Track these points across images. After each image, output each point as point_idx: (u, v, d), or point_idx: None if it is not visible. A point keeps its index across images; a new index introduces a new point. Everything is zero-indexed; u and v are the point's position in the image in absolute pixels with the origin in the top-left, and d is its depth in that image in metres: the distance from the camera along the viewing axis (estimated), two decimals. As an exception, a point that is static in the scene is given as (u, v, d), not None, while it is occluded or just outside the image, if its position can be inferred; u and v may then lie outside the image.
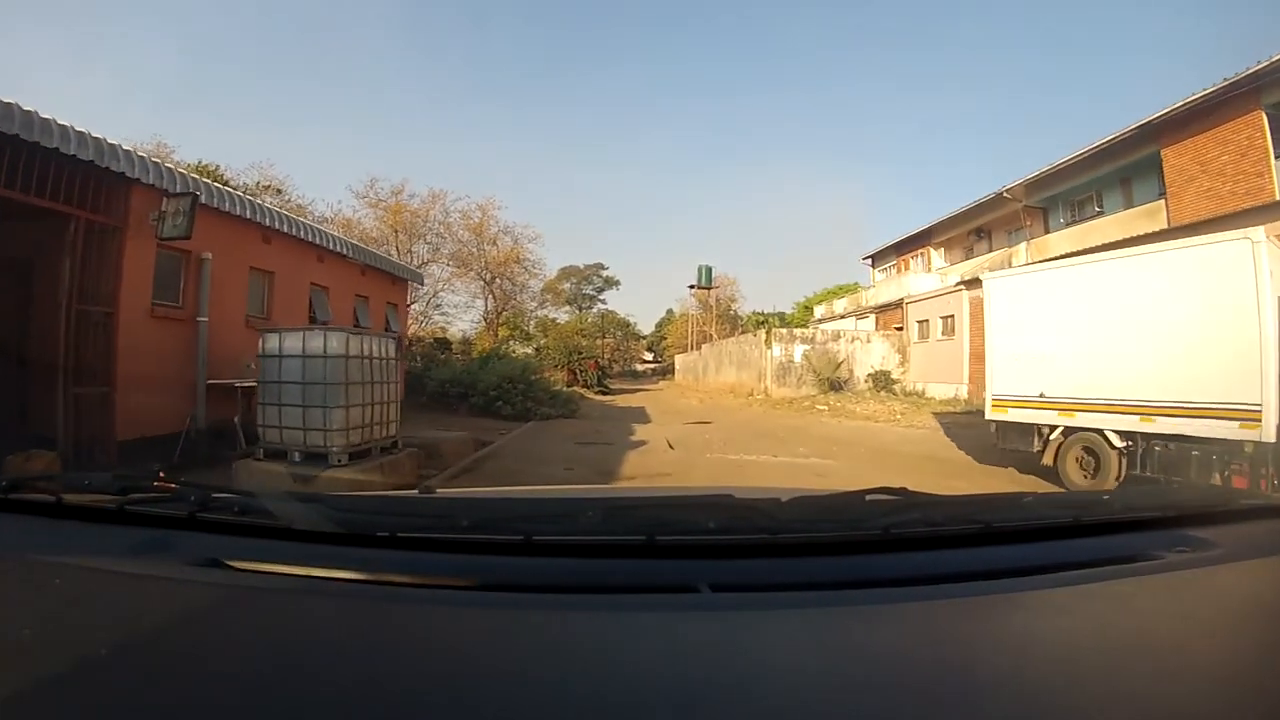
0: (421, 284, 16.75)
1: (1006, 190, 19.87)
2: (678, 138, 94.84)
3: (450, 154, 68.76)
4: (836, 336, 21.79)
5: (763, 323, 32.71)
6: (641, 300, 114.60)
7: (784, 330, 22.84)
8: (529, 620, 0.71)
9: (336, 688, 0.58)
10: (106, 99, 44.32)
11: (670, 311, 54.13)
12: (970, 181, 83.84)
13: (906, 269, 26.72)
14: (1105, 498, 1.30)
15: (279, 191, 22.33)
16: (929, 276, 23.24)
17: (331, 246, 10.26)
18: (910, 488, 1.03)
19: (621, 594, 0.80)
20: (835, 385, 20.21)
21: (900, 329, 21.78)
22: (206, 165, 19.14)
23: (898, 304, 22.25)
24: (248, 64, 60.24)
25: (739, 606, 0.76)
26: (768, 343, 21.77)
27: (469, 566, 0.84)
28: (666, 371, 45.76)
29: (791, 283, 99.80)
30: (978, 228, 23.36)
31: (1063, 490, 6.50)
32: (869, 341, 21.69)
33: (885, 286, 25.30)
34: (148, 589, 0.76)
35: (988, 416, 8.16)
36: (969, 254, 24.02)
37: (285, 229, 9.19)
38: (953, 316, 18.65)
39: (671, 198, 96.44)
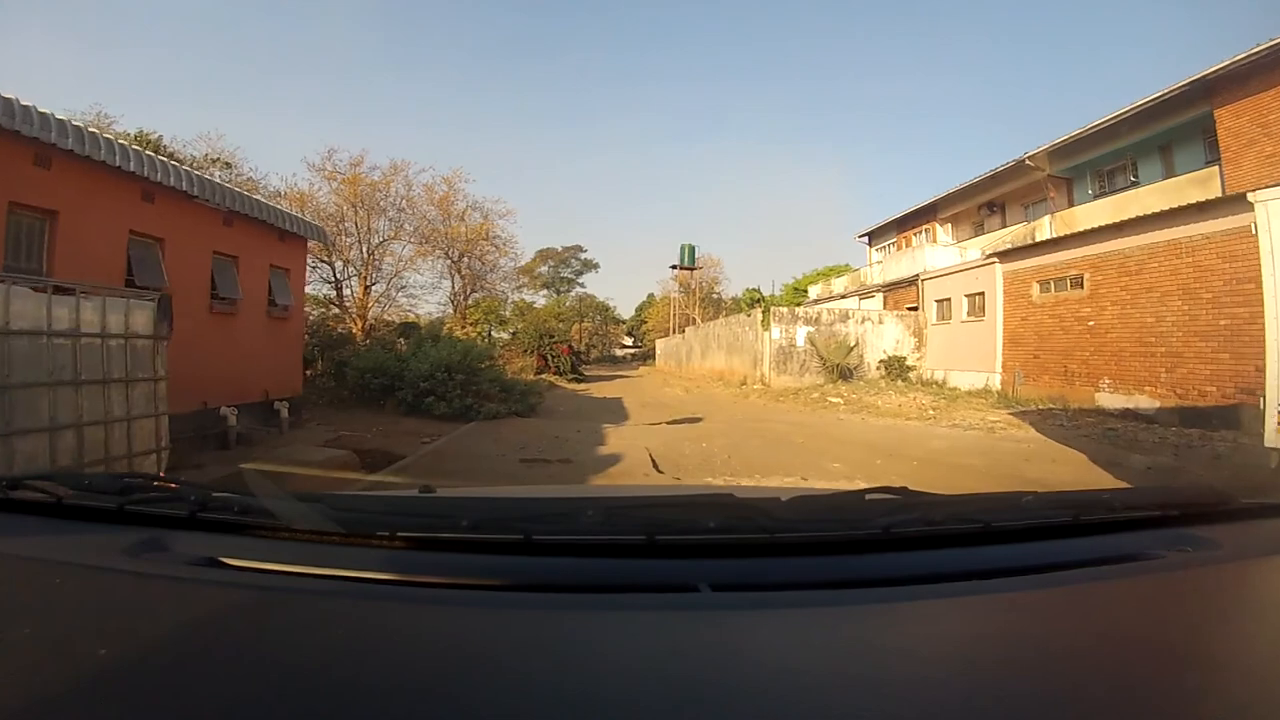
0: (325, 242, 13.44)
1: (1029, 157, 18.02)
2: (659, 118, 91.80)
3: (421, 134, 65.17)
4: (845, 317, 18.90)
5: (757, 301, 29.47)
6: (621, 284, 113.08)
7: (784, 310, 19.76)
8: (528, 619, 0.71)
9: (336, 686, 0.58)
10: (45, 68, 39.49)
11: (651, 295, 51.81)
12: (949, 168, 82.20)
13: (909, 246, 24.30)
14: (1105, 497, 1.12)
15: (228, 165, 19.12)
16: (948, 250, 20.60)
17: (166, 180, 7.09)
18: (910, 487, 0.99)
19: (621, 593, 0.79)
20: (845, 373, 17.50)
21: (915, 309, 19.06)
22: (147, 134, 16.15)
23: (912, 281, 19.45)
24: (201, 35, 55.32)
25: (739, 606, 0.75)
26: (765, 324, 18.77)
27: (468, 565, 0.84)
28: (647, 356, 43.93)
29: (776, 266, 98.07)
30: (990, 201, 21.58)
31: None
32: (881, 323, 18.83)
33: (896, 261, 22.56)
34: (148, 588, 0.76)
35: (1268, 443, 5.10)
36: (979, 230, 22.42)
37: (78, 149, 6.09)
38: (982, 294, 15.98)
39: (653, 179, 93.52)
